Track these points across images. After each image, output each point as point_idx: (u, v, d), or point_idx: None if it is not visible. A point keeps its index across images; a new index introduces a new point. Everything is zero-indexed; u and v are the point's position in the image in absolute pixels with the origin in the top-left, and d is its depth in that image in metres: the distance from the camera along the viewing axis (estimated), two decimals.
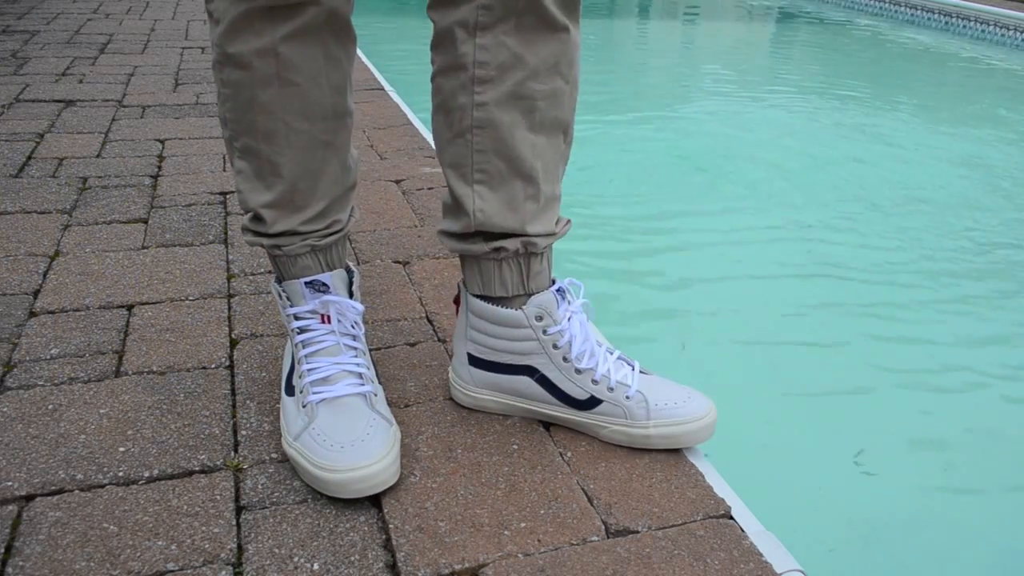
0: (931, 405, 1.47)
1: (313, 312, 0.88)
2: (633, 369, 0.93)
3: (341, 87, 0.84)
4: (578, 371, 0.90)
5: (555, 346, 0.90)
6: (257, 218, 0.87)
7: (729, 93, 3.73)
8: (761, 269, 1.94)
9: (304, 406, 0.86)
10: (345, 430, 0.82)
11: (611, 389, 0.90)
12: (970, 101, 3.87)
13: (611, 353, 0.93)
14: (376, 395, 0.88)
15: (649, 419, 0.89)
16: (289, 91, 0.80)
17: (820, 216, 2.29)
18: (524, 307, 0.89)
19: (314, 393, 0.85)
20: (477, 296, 0.91)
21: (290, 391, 0.89)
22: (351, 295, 0.91)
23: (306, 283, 0.87)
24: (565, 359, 0.90)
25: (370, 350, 1.08)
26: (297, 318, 0.89)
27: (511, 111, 0.81)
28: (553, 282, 0.92)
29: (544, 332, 0.89)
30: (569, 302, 0.91)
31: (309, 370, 0.87)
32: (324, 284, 0.88)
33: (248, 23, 0.76)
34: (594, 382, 0.90)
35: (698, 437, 0.90)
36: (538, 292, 0.89)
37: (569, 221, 0.93)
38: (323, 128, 0.84)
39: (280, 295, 0.90)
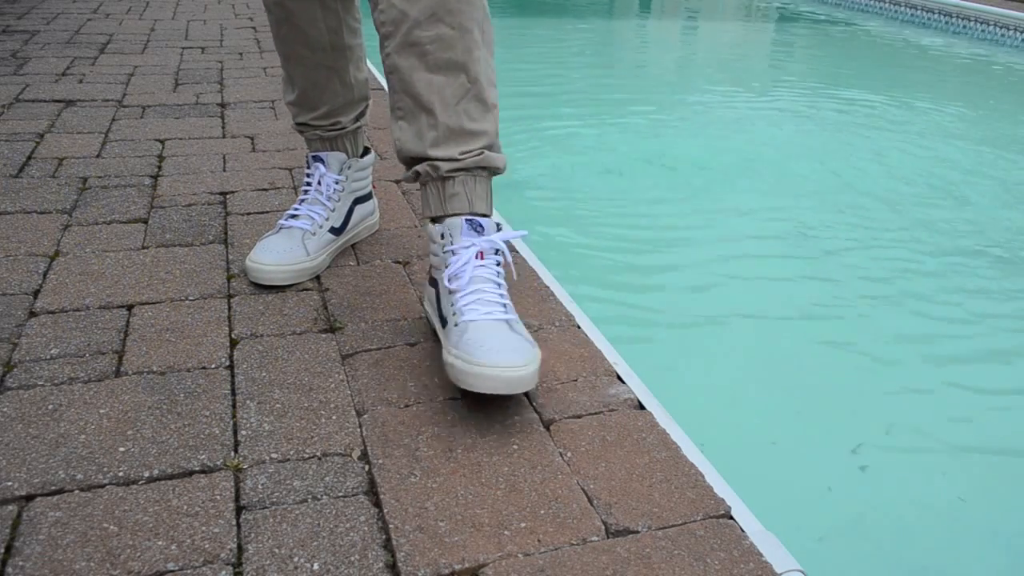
0: (931, 403, 1.47)
1: (310, 175, 1.29)
2: (499, 312, 0.97)
3: (337, 29, 1.21)
4: (449, 291, 1.01)
5: (446, 264, 1.02)
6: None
7: (727, 92, 3.73)
8: (759, 268, 1.94)
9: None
10: (274, 247, 1.22)
11: (454, 314, 0.99)
12: (970, 101, 3.87)
13: (499, 296, 1.00)
14: (312, 234, 1.24)
15: (454, 347, 0.94)
16: (295, 29, 1.20)
17: (818, 214, 2.29)
18: (438, 224, 1.04)
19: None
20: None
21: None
22: (341, 172, 1.30)
23: (313, 156, 1.28)
24: (449, 279, 1.01)
25: (370, 350, 1.08)
26: (306, 176, 1.31)
27: (408, 57, 1.00)
28: (503, 227, 1.07)
29: (443, 250, 1.03)
30: (483, 236, 1.01)
31: (295, 208, 1.28)
32: (321, 159, 1.28)
33: None
34: (451, 304, 1.00)
35: (487, 384, 0.90)
36: (455, 215, 1.03)
37: (482, 154, 1.02)
38: (323, 56, 1.22)
39: (307, 162, 1.30)
